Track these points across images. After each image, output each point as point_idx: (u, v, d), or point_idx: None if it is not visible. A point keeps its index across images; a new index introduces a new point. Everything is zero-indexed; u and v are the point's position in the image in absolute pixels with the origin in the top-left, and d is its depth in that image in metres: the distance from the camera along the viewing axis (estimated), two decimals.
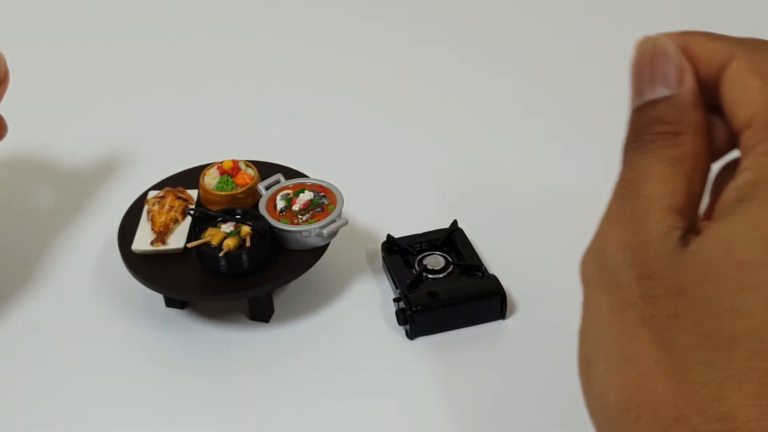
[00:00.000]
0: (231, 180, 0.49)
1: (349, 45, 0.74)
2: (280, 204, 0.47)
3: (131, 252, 0.47)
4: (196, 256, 0.45)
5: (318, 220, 0.46)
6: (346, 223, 0.47)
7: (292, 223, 0.46)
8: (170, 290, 0.45)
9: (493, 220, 0.53)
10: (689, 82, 0.32)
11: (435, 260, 0.48)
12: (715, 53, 0.32)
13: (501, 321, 0.47)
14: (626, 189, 0.31)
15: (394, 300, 0.46)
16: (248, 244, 0.44)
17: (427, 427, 0.41)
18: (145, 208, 0.49)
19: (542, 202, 0.54)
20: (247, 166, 0.50)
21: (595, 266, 0.30)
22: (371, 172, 0.59)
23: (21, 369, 0.45)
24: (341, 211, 0.47)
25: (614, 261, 0.29)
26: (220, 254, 0.44)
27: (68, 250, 0.52)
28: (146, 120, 0.65)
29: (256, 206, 0.48)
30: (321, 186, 0.48)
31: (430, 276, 0.47)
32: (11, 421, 0.42)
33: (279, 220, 0.46)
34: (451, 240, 0.49)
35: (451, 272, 0.47)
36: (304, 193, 0.48)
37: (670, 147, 0.31)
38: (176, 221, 0.48)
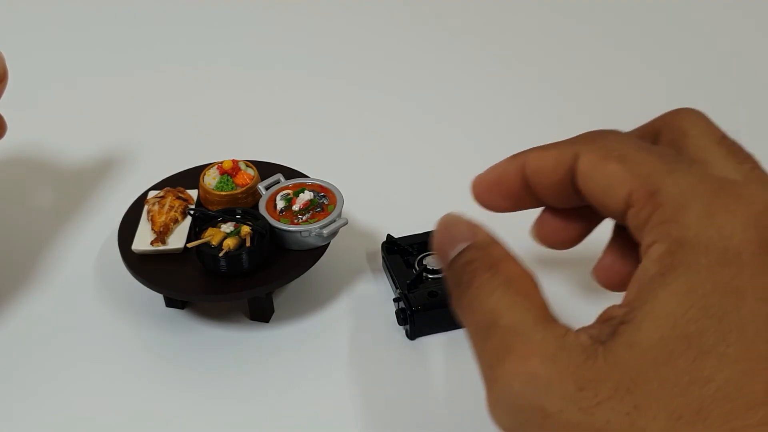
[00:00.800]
0: (231, 180, 0.49)
1: (350, 45, 0.74)
2: (280, 204, 0.47)
3: (131, 252, 0.47)
4: (196, 256, 0.45)
5: (318, 220, 0.46)
6: (346, 223, 0.47)
7: (292, 223, 0.46)
8: (170, 290, 0.45)
9: (494, 220, 0.53)
10: (482, 231, 0.33)
11: (435, 260, 0.48)
12: (558, 159, 0.32)
13: None
14: (483, 328, 0.30)
15: (394, 300, 0.47)
16: (248, 244, 0.44)
17: (429, 427, 0.41)
18: (145, 208, 0.49)
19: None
20: (247, 166, 0.50)
21: (509, 415, 0.29)
22: (371, 172, 0.59)
23: (21, 369, 0.45)
24: (341, 211, 0.47)
25: (523, 399, 0.28)
26: (220, 254, 0.44)
27: (68, 250, 0.52)
28: (146, 120, 0.65)
29: (256, 206, 0.48)
30: (321, 186, 0.48)
31: (430, 276, 0.47)
32: (11, 421, 0.42)
33: (279, 220, 0.46)
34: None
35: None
36: (304, 193, 0.48)
37: (493, 276, 0.31)
38: (176, 221, 0.48)
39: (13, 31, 0.76)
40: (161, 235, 0.47)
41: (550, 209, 0.36)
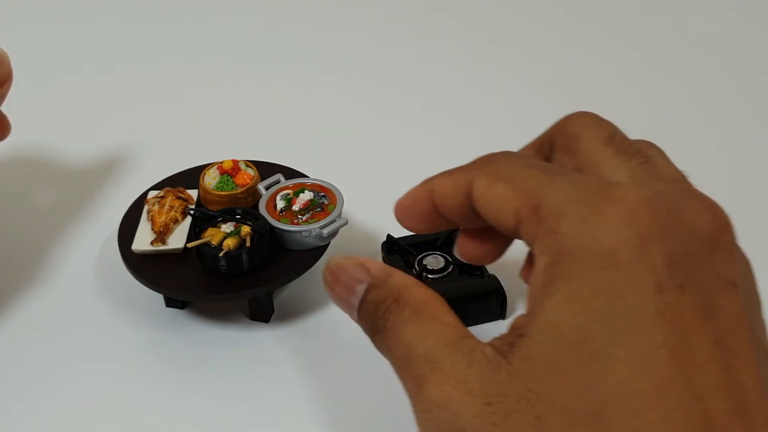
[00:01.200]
0: (231, 180, 0.49)
1: (350, 44, 0.74)
2: (280, 204, 0.47)
3: (131, 252, 0.47)
4: (196, 256, 0.45)
5: (318, 220, 0.46)
6: (346, 223, 0.47)
7: (292, 223, 0.46)
8: (170, 290, 0.45)
9: None
10: (372, 264, 0.34)
11: (435, 260, 0.48)
12: (456, 185, 0.34)
13: (501, 321, 0.47)
14: (402, 362, 0.31)
15: None
16: (248, 244, 0.44)
17: None
18: (145, 208, 0.49)
19: None
20: (247, 166, 0.50)
21: None
22: (371, 172, 0.59)
23: (21, 369, 0.45)
24: (341, 211, 0.47)
25: (443, 422, 0.29)
26: (220, 254, 0.44)
27: (68, 250, 0.52)
28: (146, 120, 0.65)
29: (256, 206, 0.48)
30: (321, 186, 0.48)
31: (430, 276, 0.47)
32: (11, 421, 0.42)
33: (279, 220, 0.46)
34: (451, 240, 0.49)
35: (451, 272, 0.47)
36: (304, 193, 0.48)
37: (401, 310, 0.32)
38: (176, 221, 0.48)
39: (12, 30, 0.76)
40: (161, 235, 0.47)
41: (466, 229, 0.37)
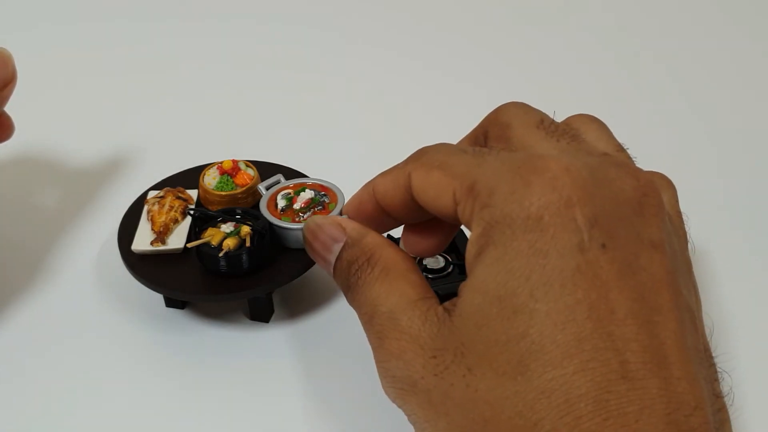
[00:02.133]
0: (231, 180, 0.49)
1: (350, 44, 0.74)
2: (281, 203, 0.47)
3: (131, 252, 0.47)
4: (196, 256, 0.45)
5: None
6: None
7: (294, 222, 0.46)
8: (170, 290, 0.45)
9: None
10: (349, 224, 0.37)
11: (435, 260, 0.48)
12: (396, 181, 0.36)
13: None
14: (367, 317, 0.34)
15: None
16: (248, 244, 0.44)
17: None
18: (145, 208, 0.49)
19: None
20: (247, 166, 0.50)
21: (391, 387, 0.33)
22: (372, 172, 0.59)
23: (20, 368, 0.45)
24: (342, 208, 0.47)
25: (398, 371, 0.32)
26: (220, 254, 0.44)
27: (68, 250, 0.52)
28: (146, 120, 0.65)
29: (256, 206, 0.48)
30: (321, 185, 0.49)
31: (430, 276, 0.47)
32: (10, 421, 0.42)
33: (280, 219, 0.46)
34: (453, 241, 0.49)
35: (451, 272, 0.47)
36: (304, 192, 0.48)
37: (372, 269, 0.35)
38: (176, 221, 0.48)
39: (12, 30, 0.76)
40: (161, 235, 0.47)
41: (410, 225, 0.39)
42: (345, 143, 0.62)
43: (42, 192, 0.58)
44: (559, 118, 0.37)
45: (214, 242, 0.45)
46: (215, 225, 0.46)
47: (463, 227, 0.45)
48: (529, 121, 0.36)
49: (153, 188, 0.51)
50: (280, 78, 0.70)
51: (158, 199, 0.49)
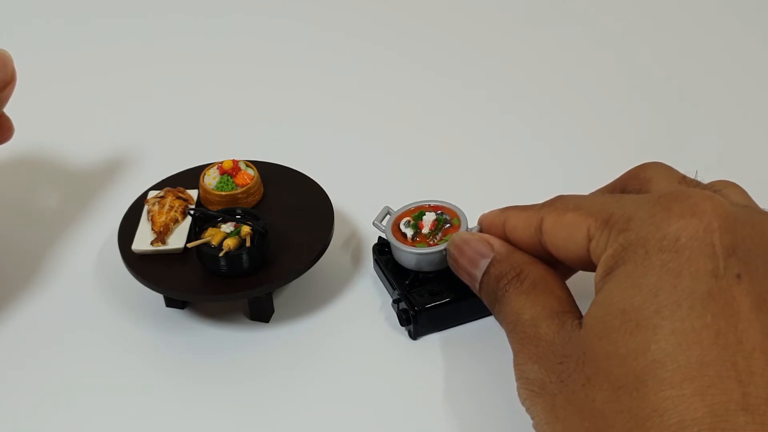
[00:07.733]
0: (231, 180, 0.49)
1: (350, 44, 0.74)
2: (408, 232, 0.46)
3: (131, 252, 0.47)
4: (196, 256, 0.45)
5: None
6: (480, 230, 0.46)
7: (430, 245, 0.45)
8: (170, 290, 0.45)
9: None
10: (497, 242, 0.39)
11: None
12: (528, 220, 0.37)
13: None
14: (512, 325, 0.35)
15: (394, 301, 0.46)
16: (248, 244, 0.44)
17: (433, 426, 0.41)
18: (145, 208, 0.49)
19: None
20: (247, 166, 0.50)
21: (524, 388, 0.34)
22: (372, 172, 0.59)
23: (20, 368, 0.45)
24: (467, 222, 0.46)
25: (532, 373, 0.33)
26: (220, 254, 0.44)
27: (68, 250, 0.52)
28: (146, 120, 0.65)
29: (257, 206, 0.48)
30: (431, 206, 0.47)
31: (429, 274, 0.47)
32: (10, 421, 0.42)
33: (415, 246, 0.45)
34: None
35: (449, 268, 0.47)
36: (425, 215, 0.46)
37: (521, 284, 0.36)
38: (176, 221, 0.48)
39: (18, 33, 0.76)
40: (161, 235, 0.47)
41: None
42: (345, 143, 0.62)
43: (42, 192, 0.58)
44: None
45: (215, 242, 0.45)
46: (215, 225, 0.46)
47: None
48: (672, 177, 0.36)
49: (153, 188, 0.51)
50: (280, 78, 0.70)
51: (158, 199, 0.49)
